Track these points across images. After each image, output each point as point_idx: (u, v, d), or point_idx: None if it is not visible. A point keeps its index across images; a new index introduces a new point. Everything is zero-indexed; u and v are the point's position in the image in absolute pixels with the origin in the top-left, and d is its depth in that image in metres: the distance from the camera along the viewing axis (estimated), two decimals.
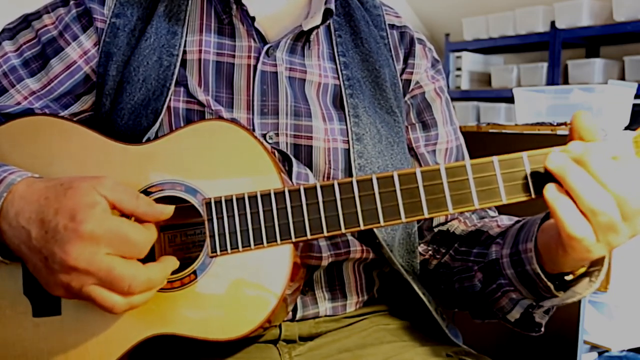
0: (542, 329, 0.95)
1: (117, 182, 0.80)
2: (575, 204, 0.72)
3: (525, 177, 0.77)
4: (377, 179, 0.80)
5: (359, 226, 0.80)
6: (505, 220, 1.05)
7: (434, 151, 1.11)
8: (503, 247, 0.93)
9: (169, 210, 0.82)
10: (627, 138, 0.76)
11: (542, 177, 0.76)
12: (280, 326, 0.95)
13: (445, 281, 1.05)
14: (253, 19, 0.99)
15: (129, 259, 0.77)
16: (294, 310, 0.96)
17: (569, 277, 0.84)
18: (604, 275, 0.81)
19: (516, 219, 1.00)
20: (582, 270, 0.83)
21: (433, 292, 1.03)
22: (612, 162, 0.72)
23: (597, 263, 0.82)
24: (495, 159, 0.78)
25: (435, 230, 1.11)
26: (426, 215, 0.79)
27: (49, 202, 0.77)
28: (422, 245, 1.10)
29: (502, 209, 0.96)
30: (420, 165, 1.10)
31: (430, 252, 1.10)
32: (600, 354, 2.06)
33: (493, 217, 1.09)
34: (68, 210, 0.76)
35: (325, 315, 0.99)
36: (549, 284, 0.84)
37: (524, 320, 0.95)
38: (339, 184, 0.81)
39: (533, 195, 0.77)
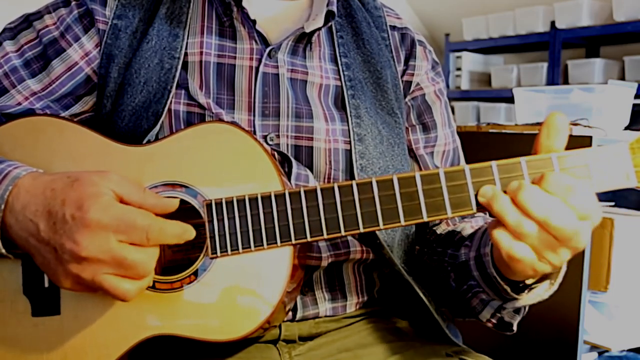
0: (515, 328, 0.97)
1: (123, 177, 0.80)
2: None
3: None
4: (377, 182, 0.80)
5: (359, 229, 0.80)
6: (479, 221, 1.06)
7: (432, 153, 1.12)
8: (470, 250, 0.95)
9: (174, 203, 0.82)
10: (623, 145, 0.76)
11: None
12: (280, 326, 0.95)
13: (427, 278, 1.06)
14: (254, 21, 0.99)
15: (138, 245, 0.77)
16: (294, 311, 0.97)
17: (530, 281, 0.86)
18: (562, 278, 0.84)
19: (488, 219, 1.01)
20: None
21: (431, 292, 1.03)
22: (538, 190, 0.75)
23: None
24: (494, 163, 0.78)
25: (428, 230, 1.11)
26: (425, 219, 0.79)
27: (55, 193, 0.78)
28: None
29: None
30: (419, 167, 1.11)
31: (418, 252, 1.10)
32: (600, 354, 2.06)
33: (472, 217, 1.10)
34: (75, 200, 0.76)
35: (325, 316, 0.99)
36: (505, 286, 0.86)
37: (496, 319, 0.97)
38: (339, 187, 0.81)
39: None
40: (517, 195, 0.75)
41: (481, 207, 0.78)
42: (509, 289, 0.86)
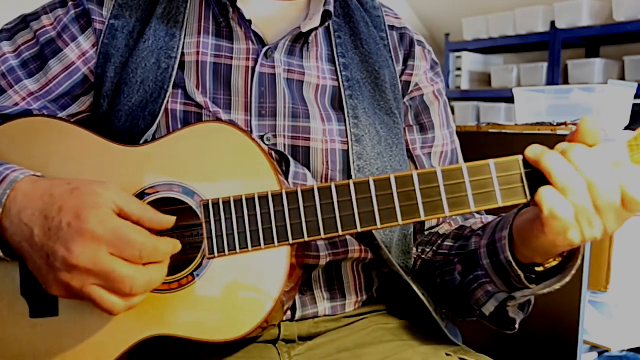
0: (517, 327, 0.96)
1: (123, 189, 0.81)
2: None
3: (521, 180, 0.77)
4: (374, 181, 0.80)
5: (356, 229, 0.80)
6: (490, 218, 1.06)
7: (430, 154, 1.12)
8: (482, 239, 0.94)
9: (171, 220, 0.82)
10: (621, 143, 0.76)
11: (538, 180, 0.76)
12: (279, 326, 0.95)
13: (427, 277, 1.06)
14: (250, 21, 0.99)
15: (129, 262, 0.76)
16: (293, 310, 0.97)
17: (539, 269, 0.86)
18: (575, 270, 0.84)
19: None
20: (553, 263, 0.86)
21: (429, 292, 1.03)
22: (590, 152, 0.75)
23: (571, 260, 0.85)
24: (491, 162, 0.78)
25: (426, 232, 1.11)
26: (423, 218, 0.79)
27: (54, 199, 0.78)
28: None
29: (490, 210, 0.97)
30: (417, 167, 1.10)
31: (418, 253, 1.10)
32: (600, 354, 2.06)
33: (478, 217, 1.10)
34: (73, 209, 0.76)
35: (325, 315, 0.99)
36: (519, 272, 0.86)
37: (499, 315, 0.96)
38: (336, 187, 0.81)
39: (529, 198, 0.77)
40: (568, 151, 0.75)
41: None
42: (522, 275, 0.86)
